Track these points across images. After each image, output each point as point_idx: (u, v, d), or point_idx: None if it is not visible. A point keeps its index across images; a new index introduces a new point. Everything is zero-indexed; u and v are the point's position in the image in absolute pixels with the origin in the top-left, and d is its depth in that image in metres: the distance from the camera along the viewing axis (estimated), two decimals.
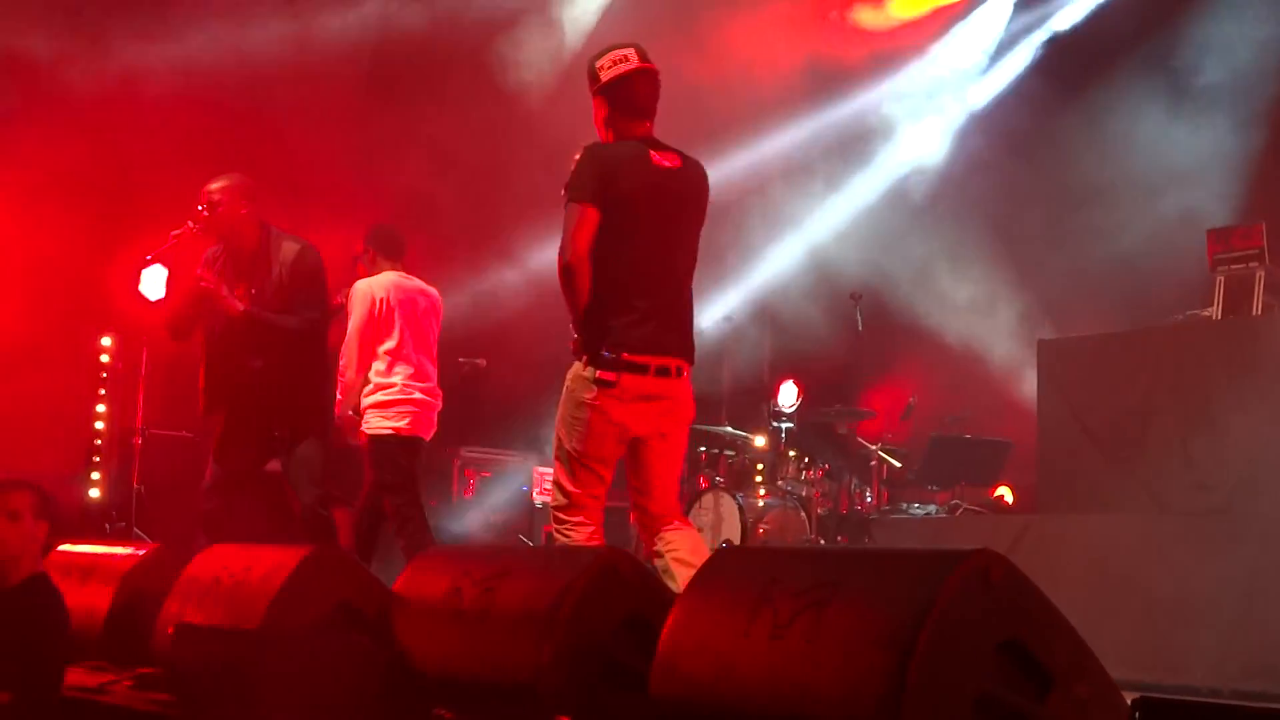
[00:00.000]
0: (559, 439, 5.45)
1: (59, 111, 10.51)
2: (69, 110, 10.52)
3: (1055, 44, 12.38)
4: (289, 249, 6.92)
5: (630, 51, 5.59)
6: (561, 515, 5.43)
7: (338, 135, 11.24)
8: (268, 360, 6.87)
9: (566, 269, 5.27)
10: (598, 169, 5.34)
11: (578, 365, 5.37)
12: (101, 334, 10.49)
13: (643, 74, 5.57)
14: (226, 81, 10.73)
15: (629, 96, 5.56)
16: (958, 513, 9.85)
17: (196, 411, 7.18)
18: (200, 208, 6.85)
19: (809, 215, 12.76)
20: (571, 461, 5.40)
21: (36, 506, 4.71)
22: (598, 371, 5.31)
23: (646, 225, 5.40)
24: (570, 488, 5.42)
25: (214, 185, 6.93)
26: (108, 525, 10.04)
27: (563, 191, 5.34)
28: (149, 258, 6.84)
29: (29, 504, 4.69)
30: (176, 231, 6.81)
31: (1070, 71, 11.72)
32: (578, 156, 5.38)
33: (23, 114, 10.43)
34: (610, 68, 5.55)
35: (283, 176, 10.42)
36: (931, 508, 10.35)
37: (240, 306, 6.81)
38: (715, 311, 12.04)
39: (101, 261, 10.30)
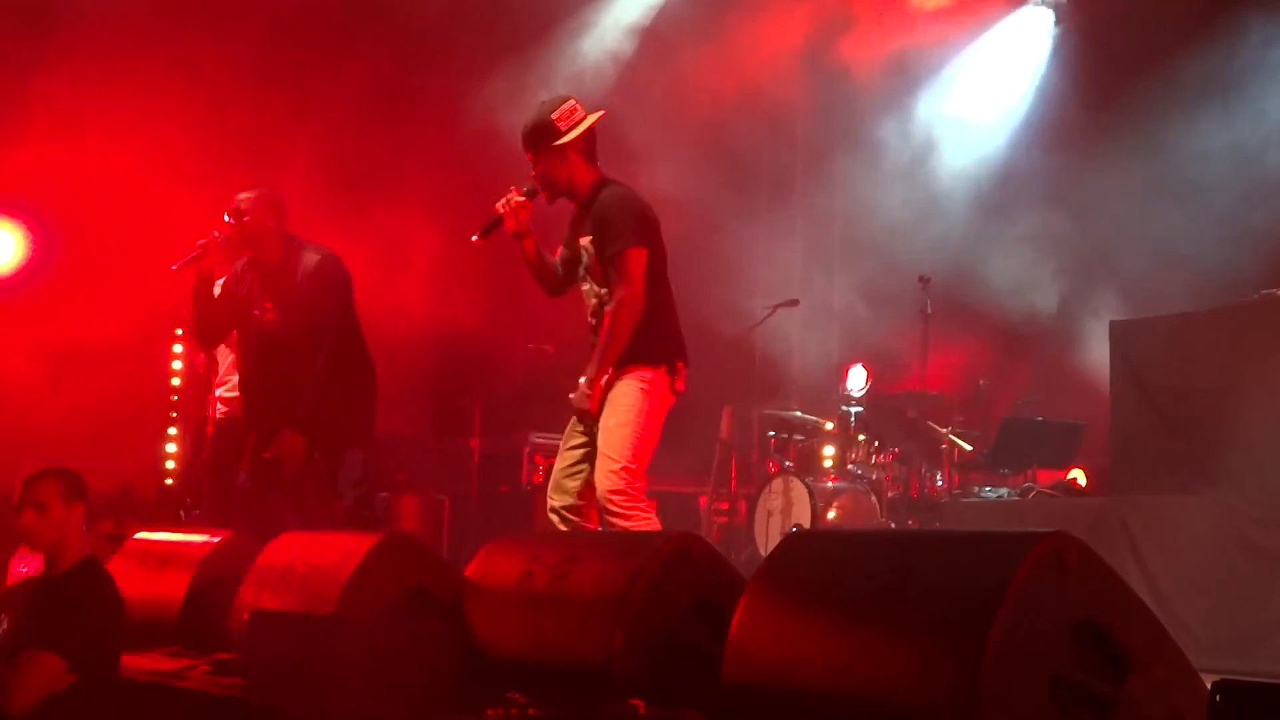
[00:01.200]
0: (627, 435, 5.67)
1: (151, 100, 10.64)
2: (162, 97, 10.64)
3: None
4: (310, 259, 6.91)
5: (574, 101, 6.03)
6: (627, 502, 5.61)
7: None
8: (301, 370, 6.86)
9: (639, 309, 5.75)
10: (641, 212, 5.88)
11: (649, 370, 5.76)
12: (176, 325, 10.62)
13: (597, 121, 6.03)
14: None
15: (591, 147, 6.02)
16: (1030, 496, 9.74)
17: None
18: (227, 217, 6.88)
19: (877, 196, 12.67)
20: (640, 456, 5.69)
21: (64, 492, 4.73)
22: (677, 382, 5.82)
23: (665, 253, 5.97)
24: (636, 479, 5.66)
25: (243, 195, 6.94)
26: (182, 513, 10.14)
27: (619, 243, 5.77)
28: (174, 267, 6.84)
29: (55, 491, 4.72)
30: (202, 240, 6.82)
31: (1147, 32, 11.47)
32: (614, 207, 5.84)
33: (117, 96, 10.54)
34: (567, 119, 5.94)
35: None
36: (1003, 491, 10.24)
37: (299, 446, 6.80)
38: (782, 295, 11.99)
39: (175, 252, 10.43)
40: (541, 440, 11.80)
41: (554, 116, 5.91)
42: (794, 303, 11.73)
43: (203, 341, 7.20)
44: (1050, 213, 11.62)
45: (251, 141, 10.87)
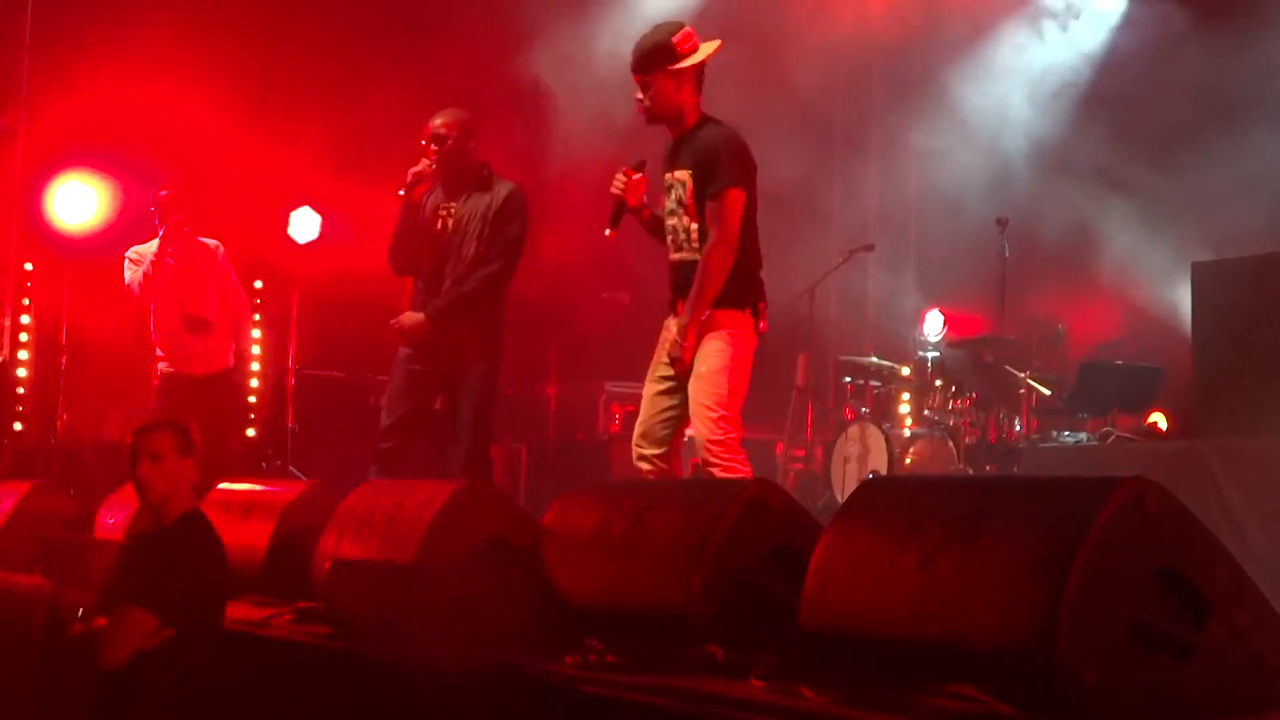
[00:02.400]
0: (723, 383, 5.68)
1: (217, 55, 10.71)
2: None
3: None
4: (501, 188, 7.01)
5: (691, 29, 5.92)
6: (727, 454, 5.64)
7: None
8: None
9: (733, 251, 5.71)
10: (746, 154, 5.84)
11: (736, 314, 5.74)
12: (253, 278, 10.72)
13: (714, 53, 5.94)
14: None
15: (702, 77, 5.94)
16: (1109, 440, 9.64)
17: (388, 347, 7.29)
18: (427, 142, 6.93)
19: (951, 139, 12.54)
20: (735, 403, 5.71)
21: (179, 445, 4.72)
22: (761, 323, 5.82)
23: (756, 195, 5.92)
24: (734, 429, 5.68)
25: (439, 120, 6.99)
26: (263, 464, 10.30)
27: (722, 183, 5.72)
28: (400, 192, 6.93)
29: (171, 444, 4.70)
30: (416, 168, 6.89)
31: None
32: (723, 146, 5.78)
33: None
34: (686, 43, 5.84)
35: None
36: (1082, 436, 10.15)
37: (422, 324, 7.02)
38: (858, 239, 11.92)
39: (250, 206, 10.53)
40: (617, 389, 11.83)
41: (674, 39, 5.82)
42: (870, 248, 11.65)
43: (399, 268, 7.27)
44: (1127, 153, 11.45)
45: (332, 93, 10.95)
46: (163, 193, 8.79)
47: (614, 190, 5.97)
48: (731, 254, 5.70)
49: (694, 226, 5.81)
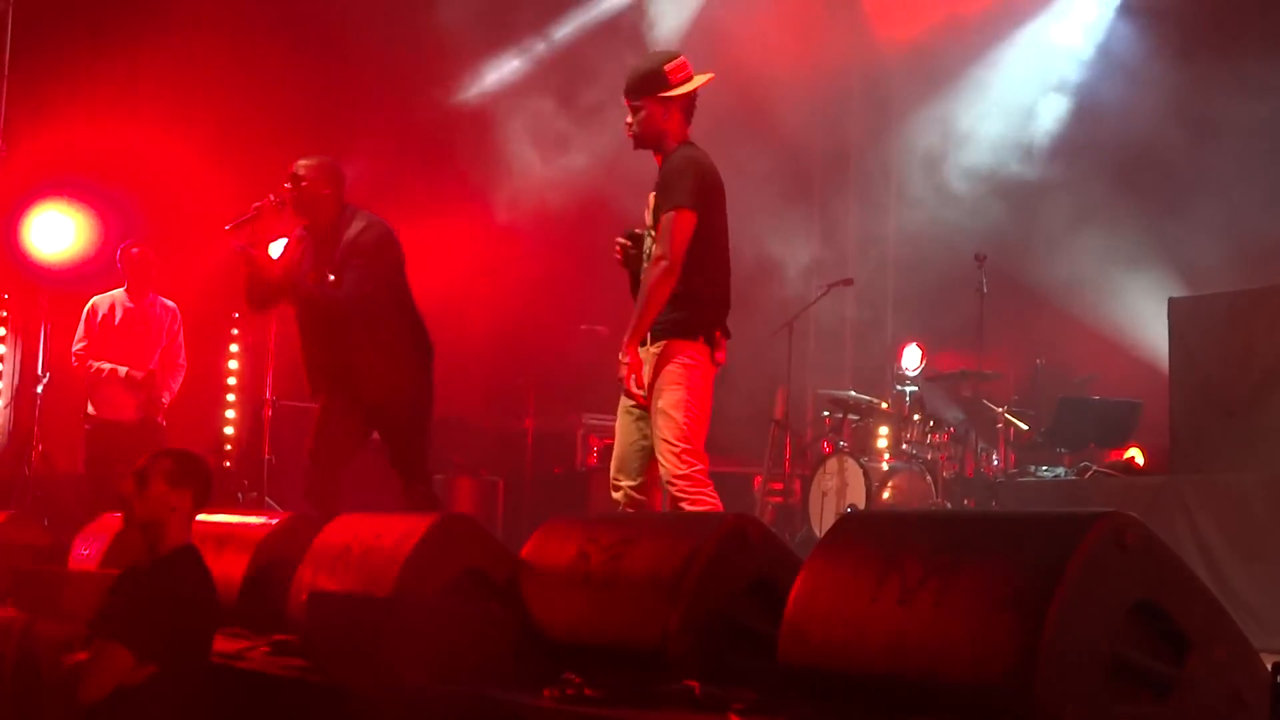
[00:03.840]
0: (680, 416, 5.60)
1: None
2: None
3: None
4: (356, 225, 6.93)
5: (685, 60, 5.89)
6: (693, 487, 5.56)
7: None
8: (352, 338, 6.89)
9: (672, 271, 5.62)
10: (702, 175, 5.74)
11: (688, 344, 5.66)
12: (231, 310, 10.69)
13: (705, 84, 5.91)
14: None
15: (691, 107, 5.91)
16: (1087, 475, 9.67)
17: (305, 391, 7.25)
18: (286, 184, 6.92)
19: (931, 174, 12.60)
20: (697, 435, 5.62)
21: (173, 473, 4.64)
22: (717, 353, 5.72)
23: (725, 223, 5.87)
24: (698, 461, 5.60)
25: (302, 162, 6.98)
26: (240, 495, 10.26)
27: (670, 202, 5.67)
28: (227, 227, 6.89)
29: (163, 470, 4.63)
30: (258, 204, 6.87)
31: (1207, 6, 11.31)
32: (677, 167, 5.73)
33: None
34: (679, 72, 5.83)
35: None
36: (1060, 470, 10.18)
37: (276, 271, 6.99)
38: (836, 274, 11.95)
39: (227, 237, 10.51)
40: (595, 421, 11.82)
41: (667, 68, 5.81)
42: (848, 282, 11.69)
43: (251, 306, 7.23)
44: (1108, 190, 11.51)
45: (312, 126, 10.95)
46: (134, 250, 9.06)
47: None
48: (673, 274, 5.62)
49: (656, 248, 5.78)
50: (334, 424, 6.97)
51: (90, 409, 9.20)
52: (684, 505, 5.56)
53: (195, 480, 4.71)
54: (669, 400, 5.62)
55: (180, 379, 9.52)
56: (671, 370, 5.65)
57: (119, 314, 9.25)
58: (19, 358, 10.94)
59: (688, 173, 5.70)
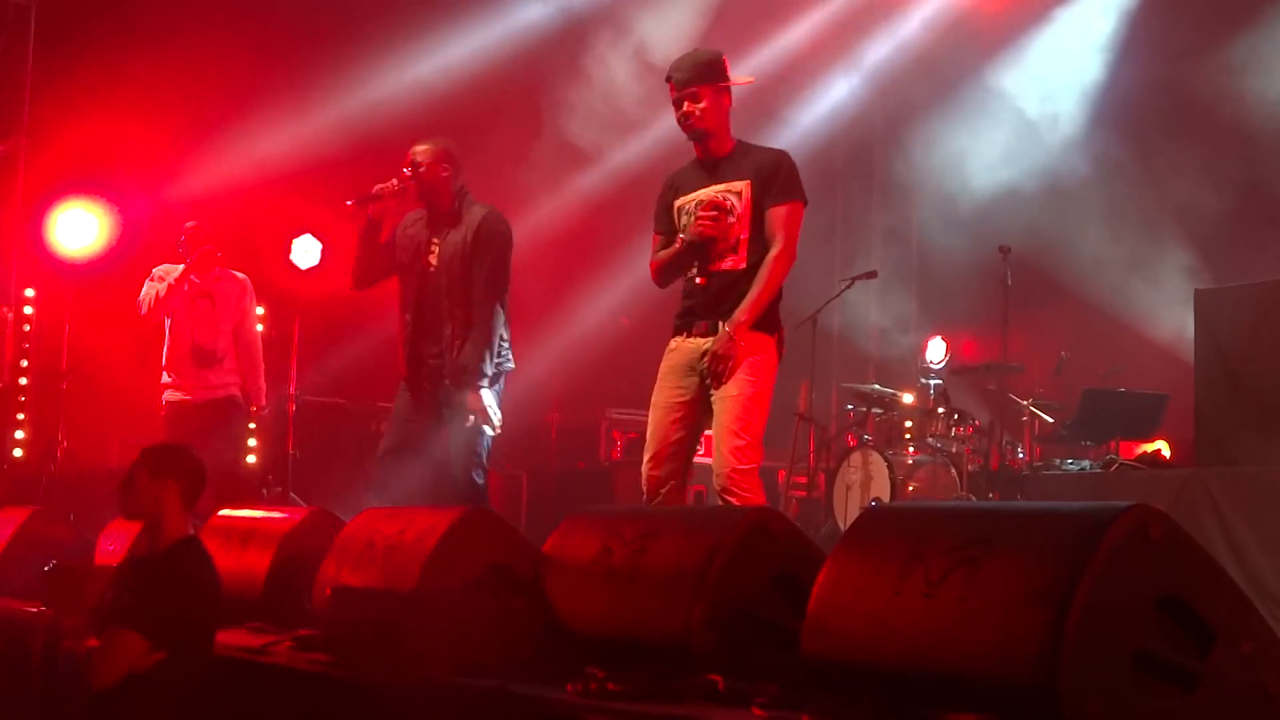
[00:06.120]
0: (753, 411, 5.60)
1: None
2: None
3: None
4: (477, 212, 6.99)
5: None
6: (749, 484, 5.55)
7: None
8: (454, 324, 6.92)
9: (792, 262, 5.74)
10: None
11: (767, 339, 5.70)
12: (256, 305, 10.70)
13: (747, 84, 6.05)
14: None
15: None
16: (1113, 468, 9.63)
17: (397, 374, 7.21)
18: (405, 169, 6.95)
19: (955, 167, 12.56)
20: (760, 433, 5.62)
21: (151, 466, 4.69)
22: (783, 349, 5.79)
23: None
24: (758, 457, 5.60)
25: (419, 147, 7.01)
26: (264, 490, 10.28)
27: (790, 194, 5.77)
28: (349, 203, 6.93)
29: (143, 464, 4.69)
30: (380, 185, 6.90)
31: None
32: (790, 164, 5.84)
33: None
34: (728, 68, 5.91)
35: None
36: (1085, 463, 10.14)
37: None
38: (861, 267, 11.93)
39: (252, 232, 10.55)
40: (619, 415, 11.82)
41: (724, 59, 5.90)
42: (872, 275, 11.65)
43: (357, 283, 7.24)
44: (1133, 182, 11.47)
45: (335, 123, 10.98)
46: (189, 224, 8.85)
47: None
48: (791, 265, 5.72)
49: (743, 237, 5.74)
50: (413, 416, 6.97)
51: (167, 393, 8.76)
52: (733, 500, 5.51)
53: (178, 471, 4.72)
54: (744, 390, 5.60)
55: (258, 360, 9.14)
56: (752, 362, 5.63)
57: (174, 288, 8.73)
58: (42, 354, 10.96)
59: (795, 170, 5.83)
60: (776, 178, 5.76)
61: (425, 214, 7.09)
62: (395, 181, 6.90)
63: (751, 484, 5.54)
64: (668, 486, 5.78)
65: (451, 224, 6.97)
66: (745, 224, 5.76)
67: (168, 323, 8.82)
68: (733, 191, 5.81)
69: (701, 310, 5.81)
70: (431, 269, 6.97)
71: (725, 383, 5.61)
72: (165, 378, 8.80)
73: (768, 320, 5.71)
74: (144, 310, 8.75)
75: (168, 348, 8.79)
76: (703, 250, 5.78)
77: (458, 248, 6.91)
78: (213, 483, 5.00)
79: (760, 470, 5.64)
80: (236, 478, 8.91)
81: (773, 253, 5.69)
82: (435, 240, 7.00)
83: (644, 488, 5.87)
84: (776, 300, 5.76)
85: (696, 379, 5.75)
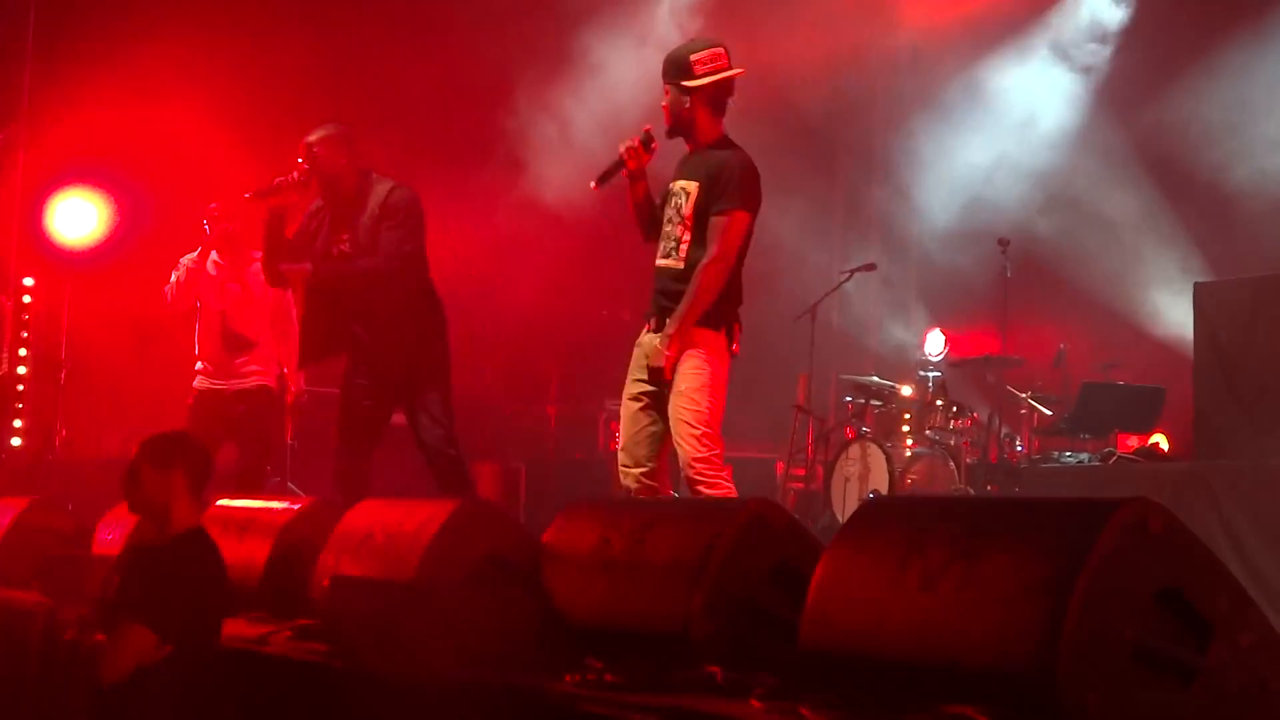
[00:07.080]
0: (703, 401, 5.71)
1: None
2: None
3: None
4: (381, 189, 6.93)
5: (722, 50, 5.90)
6: (711, 470, 5.67)
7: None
8: (376, 308, 6.90)
9: (729, 270, 5.77)
10: (757, 182, 5.85)
11: (710, 334, 5.77)
12: None
13: (735, 79, 5.93)
14: None
15: (721, 99, 5.94)
16: (1111, 461, 9.63)
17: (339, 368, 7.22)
18: (299, 159, 6.91)
19: (955, 160, 12.56)
20: (716, 421, 5.73)
21: (153, 457, 4.67)
22: (734, 344, 5.84)
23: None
24: (717, 445, 5.71)
25: (312, 136, 6.96)
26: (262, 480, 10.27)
27: (730, 203, 5.75)
28: (247, 195, 6.87)
29: (146, 455, 4.67)
30: (279, 179, 6.85)
31: None
32: (738, 169, 5.80)
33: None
34: (708, 63, 5.84)
35: None
36: (1084, 456, 10.14)
37: (307, 269, 6.92)
38: (860, 259, 11.92)
39: (249, 221, 10.54)
40: (617, 406, 11.77)
41: (694, 58, 5.85)
42: (871, 267, 11.65)
43: (270, 279, 7.23)
44: (1131, 175, 11.46)
45: (337, 111, 10.96)
46: (212, 205, 8.56)
47: (619, 150, 5.98)
48: (727, 273, 5.76)
49: (686, 238, 5.84)
50: (358, 403, 7.00)
51: (198, 380, 8.57)
52: (701, 489, 5.62)
53: (183, 459, 4.71)
54: (691, 384, 5.71)
55: (295, 347, 8.98)
56: (693, 356, 5.74)
57: (195, 270, 8.50)
58: (41, 343, 10.95)
59: (749, 179, 5.82)
60: (719, 184, 5.80)
61: (327, 203, 7.04)
62: (295, 174, 6.86)
63: (714, 470, 5.67)
64: (636, 474, 5.90)
65: (360, 207, 6.93)
66: (688, 225, 5.84)
67: (199, 310, 8.61)
68: (687, 190, 5.89)
69: (654, 306, 5.98)
70: (342, 256, 6.92)
71: (668, 381, 5.76)
72: (198, 366, 8.60)
73: (714, 317, 5.78)
74: (169, 298, 8.53)
75: (199, 335, 8.60)
76: (616, 170, 5.99)
77: (368, 226, 6.87)
78: (233, 482, 4.97)
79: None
80: (259, 478, 8.66)
81: (704, 260, 5.75)
82: (345, 225, 6.94)
83: (620, 479, 6.02)
84: (724, 300, 5.80)
85: None
